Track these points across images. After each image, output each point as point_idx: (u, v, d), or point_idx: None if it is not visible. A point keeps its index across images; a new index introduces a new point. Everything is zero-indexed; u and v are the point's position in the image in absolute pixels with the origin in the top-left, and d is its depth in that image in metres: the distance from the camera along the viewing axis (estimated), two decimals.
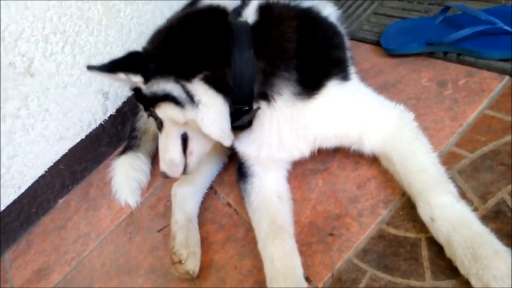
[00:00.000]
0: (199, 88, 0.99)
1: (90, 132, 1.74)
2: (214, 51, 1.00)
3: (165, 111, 1.05)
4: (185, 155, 1.14)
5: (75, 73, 1.62)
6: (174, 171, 1.16)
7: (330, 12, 1.16)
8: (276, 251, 1.04)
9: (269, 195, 1.16)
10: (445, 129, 1.12)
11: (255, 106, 1.04)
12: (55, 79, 1.58)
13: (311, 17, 1.11)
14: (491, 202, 0.95)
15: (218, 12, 1.08)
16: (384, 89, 1.28)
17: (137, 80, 1.02)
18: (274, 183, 1.19)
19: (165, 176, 1.18)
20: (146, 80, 1.02)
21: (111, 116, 1.78)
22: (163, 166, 1.16)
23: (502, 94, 1.12)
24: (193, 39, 1.02)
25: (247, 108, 1.03)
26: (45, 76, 1.56)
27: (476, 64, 1.20)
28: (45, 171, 1.68)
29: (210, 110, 1.00)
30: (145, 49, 1.08)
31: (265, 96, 1.03)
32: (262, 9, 1.07)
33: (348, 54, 1.15)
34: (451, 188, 0.94)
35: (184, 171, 1.16)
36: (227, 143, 1.07)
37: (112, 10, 1.63)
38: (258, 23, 1.04)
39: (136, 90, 1.10)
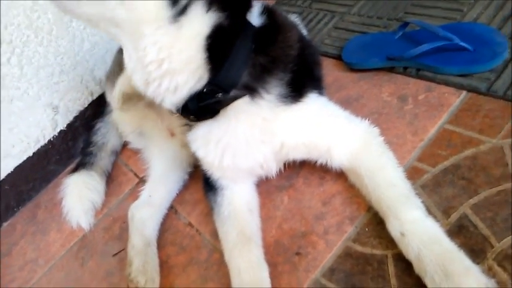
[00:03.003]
0: (198, 25, 0.86)
1: (38, 149, 1.62)
2: (239, 18, 0.92)
3: None
4: None
5: (22, 86, 1.52)
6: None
7: (305, 32, 1.19)
8: (243, 262, 1.00)
9: (240, 206, 1.12)
10: (407, 144, 1.13)
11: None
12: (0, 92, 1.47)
13: (300, 31, 1.12)
14: (454, 217, 0.96)
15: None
16: (347, 103, 1.27)
17: None
18: (244, 195, 1.15)
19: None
20: None
21: (61, 131, 1.67)
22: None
23: (461, 109, 1.14)
24: None
25: (219, 95, 0.93)
26: None
27: (435, 79, 1.22)
28: None
29: (175, 39, 0.85)
30: None
31: (252, 90, 0.96)
32: (267, 13, 1.01)
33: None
34: (419, 203, 0.94)
35: None
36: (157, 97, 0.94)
37: (63, 19, 1.54)
38: (264, 26, 0.98)
39: None
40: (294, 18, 1.19)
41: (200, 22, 0.86)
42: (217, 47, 0.89)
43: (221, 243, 1.09)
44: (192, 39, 0.87)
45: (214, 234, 1.14)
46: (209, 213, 1.19)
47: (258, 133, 1.03)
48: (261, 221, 1.14)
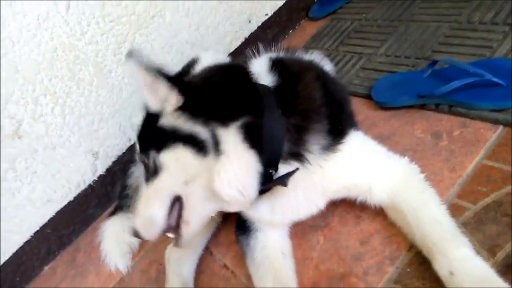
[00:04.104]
0: (232, 137, 0.89)
1: (79, 194, 1.69)
2: (252, 100, 0.94)
3: (178, 156, 0.91)
4: (177, 224, 0.97)
5: (65, 134, 1.60)
6: (149, 231, 0.96)
7: (330, 68, 1.18)
8: None
9: (273, 250, 1.11)
10: (444, 181, 1.11)
11: (281, 168, 0.96)
12: (44, 140, 1.55)
13: (320, 68, 1.12)
14: (500, 255, 0.92)
15: (245, 72, 1.03)
16: (379, 141, 1.25)
17: (174, 101, 0.91)
18: (278, 239, 1.14)
19: (136, 235, 0.99)
20: (182, 108, 0.92)
21: (100, 176, 1.73)
22: (138, 222, 0.97)
23: (498, 144, 1.12)
24: (231, 87, 0.96)
25: (271, 171, 0.95)
26: (34, 138, 1.53)
27: (468, 115, 1.21)
28: (31, 236, 1.60)
29: (233, 165, 0.89)
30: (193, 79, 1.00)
31: (298, 156, 0.97)
32: (277, 67, 1.03)
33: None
34: (466, 241, 0.91)
35: (177, 243, 0.99)
36: (242, 208, 0.99)
37: (103, 71, 1.64)
38: (279, 83, 1.00)
39: (146, 122, 0.98)
40: (315, 55, 1.18)
41: (233, 136, 0.90)
42: (255, 138, 0.91)
43: None
44: (238, 150, 0.90)
45: (249, 277, 1.13)
46: (244, 255, 1.18)
47: (309, 190, 1.04)
48: (297, 262, 1.13)
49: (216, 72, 1.03)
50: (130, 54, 0.88)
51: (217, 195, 0.91)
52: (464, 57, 1.36)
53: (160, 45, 1.77)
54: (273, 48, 1.20)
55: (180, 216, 0.96)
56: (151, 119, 0.96)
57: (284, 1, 2.14)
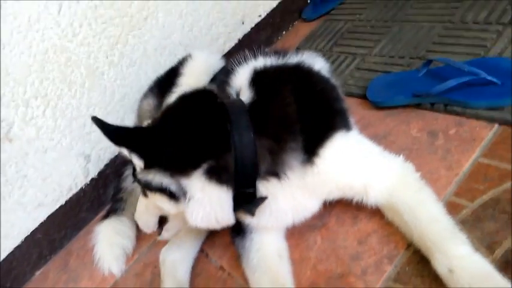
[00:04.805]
0: (196, 183, 0.93)
1: (71, 198, 1.66)
2: (214, 138, 0.94)
3: (157, 199, 0.99)
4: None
5: (56, 137, 1.57)
6: (145, 229, 1.19)
7: (321, 66, 1.16)
8: None
9: (269, 252, 1.10)
10: (441, 179, 1.11)
11: (260, 185, 0.98)
12: (35, 144, 1.52)
13: (304, 72, 1.09)
14: (499, 252, 0.91)
15: (209, 95, 1.05)
16: (375, 141, 1.25)
17: (138, 163, 0.97)
18: (274, 241, 1.13)
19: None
20: (146, 167, 0.96)
21: (92, 179, 1.70)
22: (139, 221, 1.19)
23: (494, 142, 1.12)
24: (191, 130, 0.96)
25: (250, 191, 0.97)
26: (25, 141, 1.50)
27: (464, 113, 1.21)
28: (22, 241, 1.56)
29: (201, 206, 0.95)
30: (149, 133, 1.01)
31: (275, 174, 0.97)
32: (257, 80, 1.03)
33: (345, 105, 1.13)
34: (464, 238, 0.91)
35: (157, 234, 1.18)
36: (221, 227, 1.03)
37: (95, 73, 1.62)
38: (254, 100, 1.00)
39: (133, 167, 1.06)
40: (306, 55, 1.14)
41: (197, 182, 0.93)
42: (222, 175, 0.94)
43: None
44: (205, 192, 0.94)
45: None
46: (240, 257, 1.16)
47: (299, 198, 1.04)
48: (295, 263, 1.12)
49: (176, 111, 1.04)
50: (94, 120, 0.93)
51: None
52: (459, 56, 1.36)
53: (153, 47, 1.76)
54: (262, 52, 1.17)
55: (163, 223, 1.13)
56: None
57: (277, 2, 2.14)
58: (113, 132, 0.94)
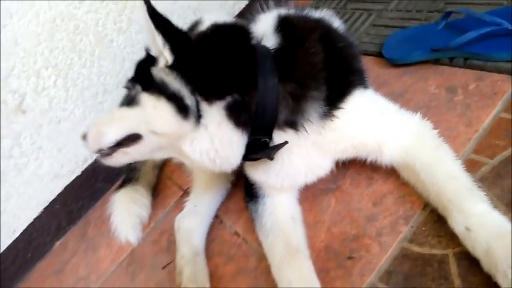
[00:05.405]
0: (215, 115, 0.89)
1: (86, 168, 1.67)
2: (245, 74, 0.91)
3: (157, 105, 0.90)
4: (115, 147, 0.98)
5: (69, 107, 1.57)
6: (92, 144, 1.00)
7: (339, 25, 1.13)
8: (294, 274, 0.96)
9: (282, 216, 1.08)
10: (460, 136, 1.06)
11: (276, 136, 0.95)
12: (48, 115, 1.52)
13: (327, 26, 1.07)
14: None
15: (245, 34, 0.98)
16: (391, 99, 1.20)
17: (167, 57, 0.89)
18: (287, 204, 1.11)
19: (83, 138, 1.03)
20: (172, 67, 0.89)
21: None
22: (91, 130, 1.01)
23: None
24: (224, 56, 0.92)
25: (266, 139, 0.94)
26: (38, 112, 1.50)
27: (484, 67, 1.15)
28: (41, 212, 1.59)
29: (209, 140, 0.90)
30: (191, 40, 0.94)
31: (294, 125, 0.95)
32: (283, 26, 0.99)
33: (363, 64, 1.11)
34: (483, 196, 0.87)
35: (97, 155, 1.02)
36: (214, 169, 0.97)
37: (104, 40, 1.59)
38: (281, 45, 0.96)
39: (146, 60, 0.96)
40: (324, 13, 1.12)
41: (216, 114, 0.89)
42: (242, 115, 0.90)
43: (267, 256, 1.06)
44: (220, 128, 0.90)
45: (261, 243, 1.11)
46: (253, 221, 1.16)
47: (314, 155, 1.02)
48: (309, 226, 1.10)
49: (214, 35, 0.98)
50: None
51: (183, 153, 0.94)
52: (480, 7, 1.28)
53: (162, 11, 1.71)
54: (283, 4, 1.15)
55: (121, 145, 0.97)
56: (149, 60, 0.94)
57: None
58: (157, 15, 0.88)
